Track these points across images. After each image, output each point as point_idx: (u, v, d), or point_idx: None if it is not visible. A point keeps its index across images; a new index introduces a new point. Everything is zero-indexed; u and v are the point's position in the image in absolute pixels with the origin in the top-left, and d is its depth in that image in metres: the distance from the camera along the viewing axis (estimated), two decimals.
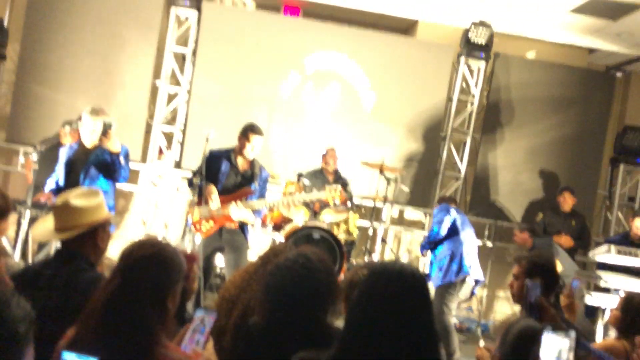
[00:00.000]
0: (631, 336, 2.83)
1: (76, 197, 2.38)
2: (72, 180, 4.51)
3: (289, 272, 2.04)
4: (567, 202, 6.40)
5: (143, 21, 6.76)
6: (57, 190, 4.51)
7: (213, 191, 4.51)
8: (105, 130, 4.36)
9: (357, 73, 7.02)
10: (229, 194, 4.56)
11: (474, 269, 5.02)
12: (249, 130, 4.59)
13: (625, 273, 4.67)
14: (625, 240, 5.33)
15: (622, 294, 4.38)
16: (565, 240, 6.21)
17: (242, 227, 4.66)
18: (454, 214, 5.18)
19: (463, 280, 4.95)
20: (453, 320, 5.20)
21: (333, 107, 7.03)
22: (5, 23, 6.84)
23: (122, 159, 4.49)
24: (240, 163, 4.66)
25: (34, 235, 3.99)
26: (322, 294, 2.04)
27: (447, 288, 4.95)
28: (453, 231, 5.12)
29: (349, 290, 2.39)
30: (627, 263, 4.54)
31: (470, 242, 5.14)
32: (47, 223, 2.42)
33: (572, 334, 1.74)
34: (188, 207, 4.81)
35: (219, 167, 4.61)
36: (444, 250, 5.11)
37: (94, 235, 2.39)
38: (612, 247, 4.41)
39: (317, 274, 2.06)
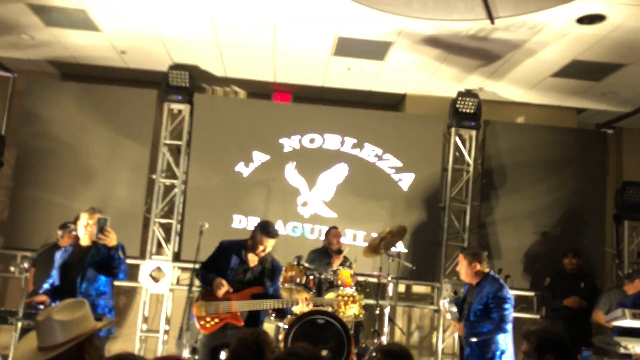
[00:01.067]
0: None
1: (59, 311, 2.30)
2: (68, 283, 4.40)
3: None
4: (572, 263, 6.26)
5: (137, 118, 6.91)
6: (53, 292, 4.41)
7: (224, 283, 4.35)
8: (101, 227, 4.30)
9: (349, 147, 7.09)
10: (237, 291, 4.43)
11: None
12: (263, 234, 4.43)
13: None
14: (639, 299, 5.15)
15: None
16: (574, 301, 6.00)
17: (251, 324, 4.47)
18: (511, 296, 4.42)
19: None
20: None
21: (327, 185, 7.04)
22: (3, 129, 7.00)
23: (121, 254, 4.42)
24: (251, 259, 4.53)
25: (14, 358, 3.80)
26: None
27: None
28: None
29: None
30: None
31: (511, 332, 4.41)
32: (30, 341, 2.33)
33: None
34: (187, 301, 4.66)
35: (228, 261, 4.48)
36: (488, 342, 4.35)
37: (81, 350, 2.29)
38: (627, 311, 4.25)
39: None
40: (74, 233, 4.53)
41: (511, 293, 6.68)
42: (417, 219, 7.03)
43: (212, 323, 4.39)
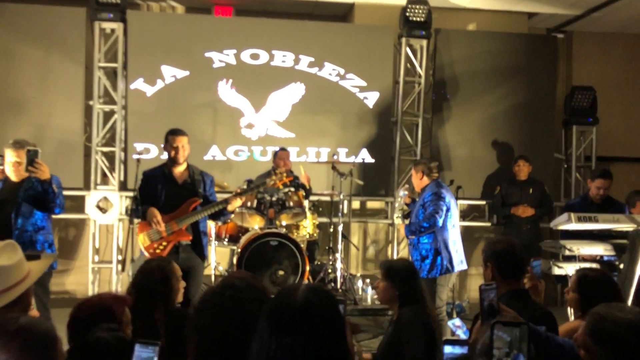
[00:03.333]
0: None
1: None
2: (2, 220, 4.19)
3: (217, 310, 1.84)
4: (522, 170, 6.35)
5: (66, 40, 6.39)
6: None
7: (155, 214, 4.25)
8: (31, 159, 4.03)
9: (305, 66, 6.79)
10: (174, 209, 4.32)
11: (460, 260, 4.70)
12: (168, 135, 4.38)
13: (588, 239, 4.61)
14: (585, 202, 5.28)
15: (572, 272, 4.34)
16: (523, 210, 6.17)
17: (199, 242, 4.40)
18: (448, 199, 4.69)
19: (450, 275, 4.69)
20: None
21: (280, 105, 6.79)
22: None
23: (55, 187, 4.18)
24: (177, 174, 4.40)
25: None
26: (255, 326, 1.83)
27: (435, 280, 4.63)
28: (443, 221, 4.65)
29: None
30: (588, 228, 4.47)
31: (457, 230, 4.77)
32: None
33: (524, 328, 1.60)
34: (129, 232, 4.52)
35: (155, 187, 4.36)
36: (430, 241, 4.66)
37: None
38: (572, 215, 4.33)
39: (247, 305, 1.85)
40: (0, 167, 4.24)
41: (464, 203, 6.84)
42: (368, 133, 6.92)
43: (161, 248, 4.32)
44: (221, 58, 6.65)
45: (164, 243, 4.30)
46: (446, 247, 4.62)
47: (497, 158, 7.11)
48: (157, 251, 4.32)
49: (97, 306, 2.19)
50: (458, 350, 1.64)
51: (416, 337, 2.90)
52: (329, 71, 6.82)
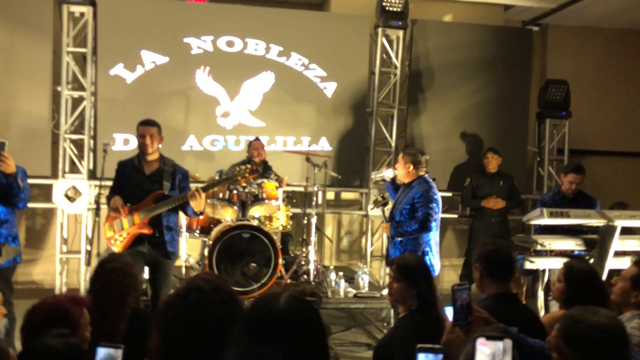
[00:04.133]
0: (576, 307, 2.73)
1: None
2: None
3: (181, 312, 1.77)
4: (491, 163, 6.39)
5: (33, 24, 6.16)
6: None
7: (118, 203, 4.17)
8: None
9: (274, 55, 6.68)
10: (139, 200, 4.23)
11: (437, 262, 4.57)
12: (138, 125, 4.30)
13: (561, 233, 4.64)
14: (558, 196, 5.31)
15: (560, 265, 4.36)
16: (494, 202, 6.22)
17: (162, 237, 4.28)
18: (439, 200, 4.47)
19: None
20: None
21: (253, 94, 6.68)
22: None
23: (20, 181, 4.02)
24: (147, 165, 4.31)
25: None
26: (222, 329, 1.77)
27: None
28: None
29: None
30: (560, 223, 4.50)
31: (437, 232, 4.52)
32: None
33: (508, 341, 1.56)
34: (95, 224, 4.42)
35: (125, 176, 4.31)
36: (413, 242, 4.42)
37: None
38: (545, 210, 4.34)
39: (213, 307, 1.79)
40: None
41: (442, 194, 6.84)
42: (343, 125, 6.86)
43: (121, 239, 4.26)
44: (199, 44, 6.51)
45: (124, 234, 4.23)
46: (431, 248, 4.45)
47: (467, 149, 7.13)
48: (118, 242, 4.25)
49: (52, 309, 2.10)
50: (432, 358, 1.60)
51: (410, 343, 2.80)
52: (298, 60, 6.71)
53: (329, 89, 6.81)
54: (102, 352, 1.76)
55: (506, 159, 6.64)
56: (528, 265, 4.51)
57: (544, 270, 4.73)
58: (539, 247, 4.50)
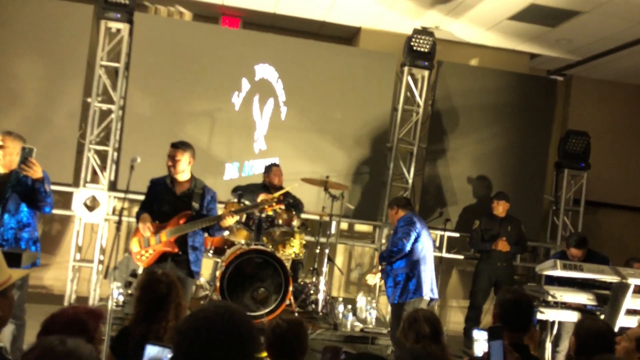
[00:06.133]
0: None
1: None
2: None
3: (199, 332, 1.79)
4: (497, 208, 6.41)
5: (72, 36, 6.37)
6: None
7: (146, 220, 4.25)
8: (25, 157, 3.94)
9: (296, 83, 6.81)
10: (168, 219, 4.30)
11: (430, 288, 4.82)
12: (170, 147, 4.36)
13: (571, 286, 4.64)
14: (565, 257, 5.24)
15: (571, 318, 4.38)
16: (502, 245, 6.22)
17: (186, 256, 4.32)
18: (418, 227, 4.84)
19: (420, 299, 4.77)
20: None
21: (277, 121, 6.80)
22: None
23: (47, 186, 4.11)
24: (178, 185, 4.39)
25: None
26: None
27: (403, 306, 4.74)
28: (413, 247, 4.78)
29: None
30: (572, 276, 4.50)
31: (429, 259, 4.89)
32: None
33: None
34: (115, 238, 4.49)
35: (155, 194, 4.39)
36: (402, 267, 4.81)
37: None
38: (558, 262, 4.35)
39: (227, 333, 1.81)
40: None
41: (454, 235, 6.87)
42: (363, 157, 6.94)
43: (147, 255, 4.34)
44: (229, 69, 6.66)
45: (150, 251, 4.29)
46: (417, 273, 4.75)
47: (476, 192, 7.15)
48: (143, 258, 4.32)
49: (71, 319, 2.16)
50: None
51: None
52: (322, 90, 6.85)
53: (352, 121, 6.90)
54: (151, 349, 1.82)
55: (521, 205, 6.65)
56: (538, 316, 4.49)
57: (553, 322, 4.71)
58: (550, 299, 4.48)
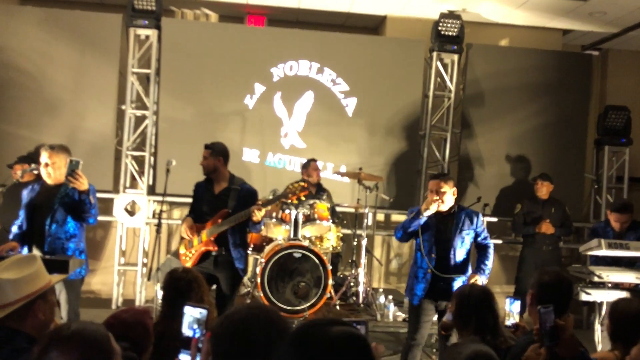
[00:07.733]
0: (620, 344, 2.69)
1: (6, 269, 2.15)
2: (37, 226, 4.20)
3: (233, 331, 1.79)
4: (541, 190, 6.20)
5: (102, 45, 6.52)
6: (21, 236, 4.24)
7: (185, 224, 4.35)
8: (72, 169, 4.01)
9: (332, 78, 6.81)
10: (210, 218, 4.38)
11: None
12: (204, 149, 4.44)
13: (616, 265, 4.51)
14: (609, 227, 5.13)
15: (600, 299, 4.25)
16: (546, 227, 6.03)
17: (228, 253, 4.34)
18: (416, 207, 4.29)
19: None
20: None
21: (309, 116, 6.81)
22: None
23: (92, 198, 4.21)
24: (216, 185, 4.44)
25: None
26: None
27: None
28: None
29: None
30: (618, 255, 4.38)
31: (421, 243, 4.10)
32: None
33: None
34: (157, 241, 4.60)
35: (198, 196, 4.49)
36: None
37: (33, 308, 2.17)
38: (602, 241, 4.24)
39: (261, 333, 1.82)
40: (35, 172, 4.30)
41: (491, 220, 6.73)
42: (396, 147, 6.89)
43: (191, 255, 4.42)
44: (256, 67, 6.71)
45: (193, 251, 4.37)
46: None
47: (516, 175, 7.00)
48: (188, 259, 4.41)
49: (130, 322, 2.28)
50: None
51: None
52: (352, 83, 6.82)
53: (383, 111, 6.86)
54: (189, 310, 1.91)
55: (562, 185, 6.49)
56: (584, 297, 4.40)
57: (601, 303, 4.59)
58: (595, 279, 4.38)
